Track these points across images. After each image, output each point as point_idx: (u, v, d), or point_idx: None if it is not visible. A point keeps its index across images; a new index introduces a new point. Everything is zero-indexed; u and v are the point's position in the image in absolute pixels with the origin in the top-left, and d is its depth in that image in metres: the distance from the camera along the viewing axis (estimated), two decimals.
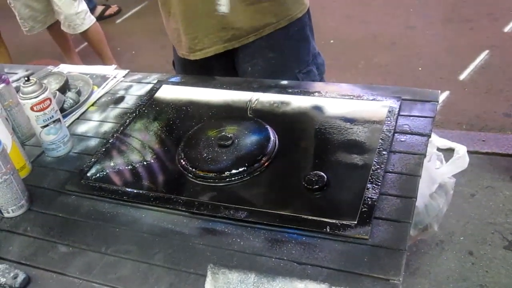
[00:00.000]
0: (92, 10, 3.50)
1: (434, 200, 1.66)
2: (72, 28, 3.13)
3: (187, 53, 1.56)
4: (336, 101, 1.32)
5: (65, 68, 1.71)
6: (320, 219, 0.97)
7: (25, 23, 3.27)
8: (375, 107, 1.27)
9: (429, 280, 1.92)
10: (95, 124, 1.41)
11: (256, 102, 1.37)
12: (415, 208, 1.00)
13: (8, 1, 3.19)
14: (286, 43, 1.52)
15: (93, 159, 1.25)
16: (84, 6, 3.09)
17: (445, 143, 1.58)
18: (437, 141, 1.54)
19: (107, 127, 1.38)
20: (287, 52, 1.53)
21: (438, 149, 1.57)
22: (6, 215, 1.11)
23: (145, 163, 1.23)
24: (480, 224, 2.10)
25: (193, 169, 1.15)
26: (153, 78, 1.57)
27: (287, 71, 1.52)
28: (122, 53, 3.93)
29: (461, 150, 1.58)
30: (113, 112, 1.45)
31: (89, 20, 3.13)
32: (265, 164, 1.14)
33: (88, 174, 1.20)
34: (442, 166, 1.62)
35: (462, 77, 3.09)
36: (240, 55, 1.54)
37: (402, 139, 1.15)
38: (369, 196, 1.00)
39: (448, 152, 1.61)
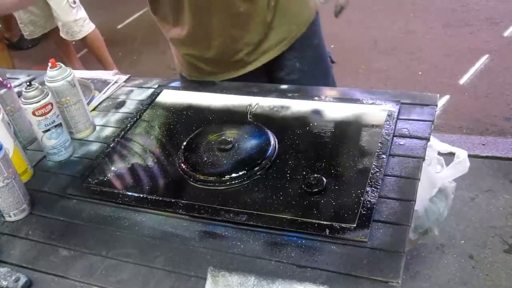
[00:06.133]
0: None
1: (434, 204, 1.66)
2: (70, 35, 3.14)
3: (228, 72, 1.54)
4: (336, 105, 1.33)
5: None
6: (319, 222, 0.98)
7: (25, 28, 3.32)
8: (374, 111, 1.27)
9: (430, 283, 1.92)
10: (96, 128, 1.41)
11: (256, 106, 1.38)
12: (415, 212, 1.00)
13: None
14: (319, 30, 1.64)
15: (94, 164, 1.26)
16: (83, 14, 3.09)
17: (446, 148, 1.59)
18: (438, 145, 1.55)
19: (108, 131, 1.39)
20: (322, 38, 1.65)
21: (439, 154, 1.57)
22: (7, 219, 1.12)
23: (146, 167, 1.23)
24: (481, 228, 2.10)
25: (194, 173, 1.16)
26: (154, 83, 1.58)
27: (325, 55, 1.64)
28: (123, 58, 3.94)
29: (461, 155, 1.58)
30: (114, 116, 1.46)
31: (88, 27, 3.13)
32: (265, 168, 1.14)
33: (89, 178, 1.21)
34: (443, 170, 1.62)
35: (462, 81, 3.09)
36: (287, 55, 1.54)
37: (401, 143, 1.16)
38: (368, 199, 1.01)
39: (449, 157, 1.62)
